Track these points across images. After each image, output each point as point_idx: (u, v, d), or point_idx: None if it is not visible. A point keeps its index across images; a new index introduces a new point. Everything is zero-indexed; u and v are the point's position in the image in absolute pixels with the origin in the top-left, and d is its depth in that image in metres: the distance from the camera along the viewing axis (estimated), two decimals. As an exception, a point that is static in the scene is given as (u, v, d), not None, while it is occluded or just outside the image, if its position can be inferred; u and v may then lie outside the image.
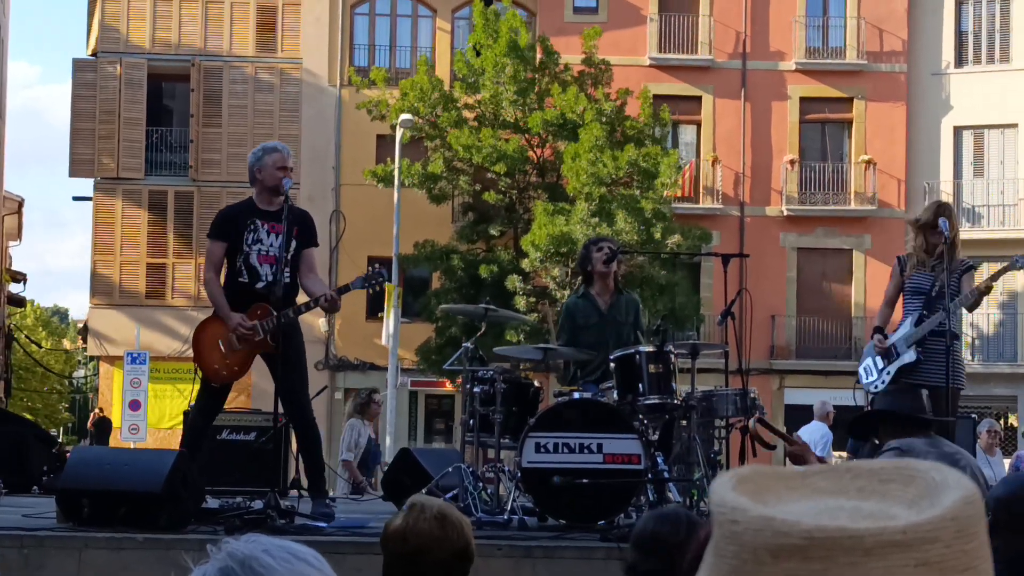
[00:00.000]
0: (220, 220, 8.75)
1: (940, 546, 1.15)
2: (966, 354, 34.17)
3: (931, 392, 9.06)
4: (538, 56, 32.20)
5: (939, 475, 1.20)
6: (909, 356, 9.03)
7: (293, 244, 8.50)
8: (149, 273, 36.32)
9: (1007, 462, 15.87)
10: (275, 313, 8.31)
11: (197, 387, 8.71)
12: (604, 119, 30.58)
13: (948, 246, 8.90)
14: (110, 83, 36.41)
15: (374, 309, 32.32)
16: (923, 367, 9.01)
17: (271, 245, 8.49)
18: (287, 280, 8.42)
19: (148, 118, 36.56)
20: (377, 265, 9.33)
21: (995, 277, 9.32)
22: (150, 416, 32.17)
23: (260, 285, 8.48)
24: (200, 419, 8.73)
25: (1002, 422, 33.15)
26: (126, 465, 7.97)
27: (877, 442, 6.85)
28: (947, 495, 1.17)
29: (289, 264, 8.45)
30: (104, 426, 32.62)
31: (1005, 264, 9.27)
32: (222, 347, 8.45)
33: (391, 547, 3.76)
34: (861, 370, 9.38)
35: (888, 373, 9.12)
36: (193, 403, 8.80)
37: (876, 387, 9.22)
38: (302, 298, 8.67)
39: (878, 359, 9.23)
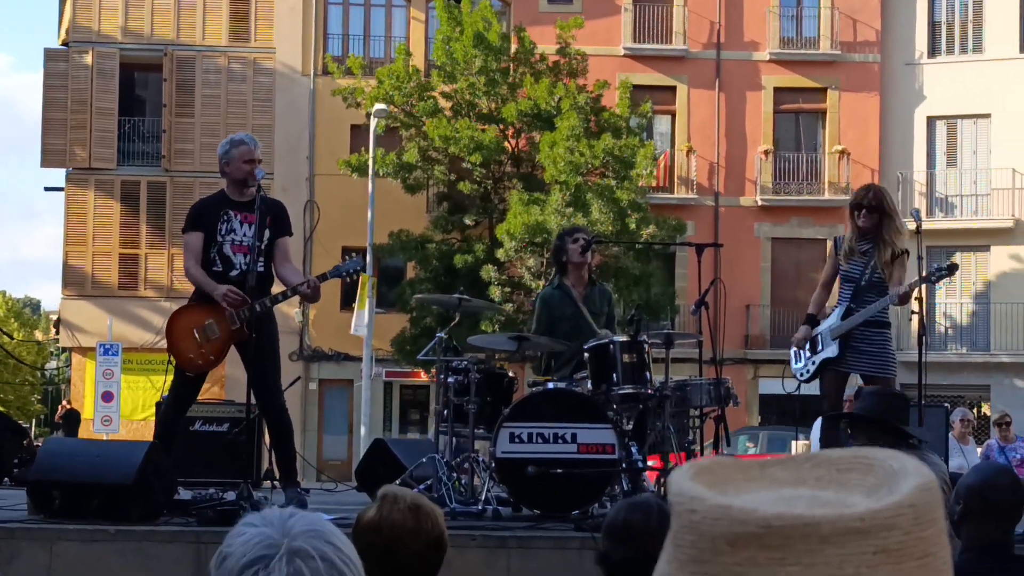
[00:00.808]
0: (194, 213, 8.77)
1: (898, 533, 1.15)
2: (939, 343, 34.35)
3: (865, 380, 9.04)
4: (513, 46, 32.17)
5: (897, 463, 1.21)
6: (831, 351, 8.93)
7: (266, 233, 8.50)
8: (121, 264, 36.17)
9: (979, 450, 15.96)
10: (251, 302, 8.32)
11: (171, 378, 8.68)
12: (579, 109, 30.57)
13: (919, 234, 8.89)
14: (82, 73, 36.22)
15: (349, 299, 32.27)
16: (854, 356, 8.93)
17: (244, 235, 8.50)
18: (260, 269, 8.44)
19: (120, 108, 36.39)
20: (355, 254, 9.34)
21: (915, 285, 9.19)
22: (123, 407, 32.09)
23: (234, 273, 8.48)
24: (173, 410, 8.71)
25: (975, 411, 33.33)
26: (98, 457, 7.94)
27: (851, 435, 6.72)
28: (905, 483, 1.18)
29: (263, 253, 8.46)
30: (72, 418, 32.49)
31: (924, 275, 9.09)
32: (197, 336, 8.44)
33: (365, 539, 3.74)
34: (791, 354, 9.32)
35: (813, 363, 9.05)
36: (166, 394, 8.78)
37: (802, 374, 9.16)
38: (278, 287, 8.67)
39: (806, 347, 9.16)
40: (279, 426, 8.63)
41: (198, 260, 8.55)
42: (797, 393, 9.45)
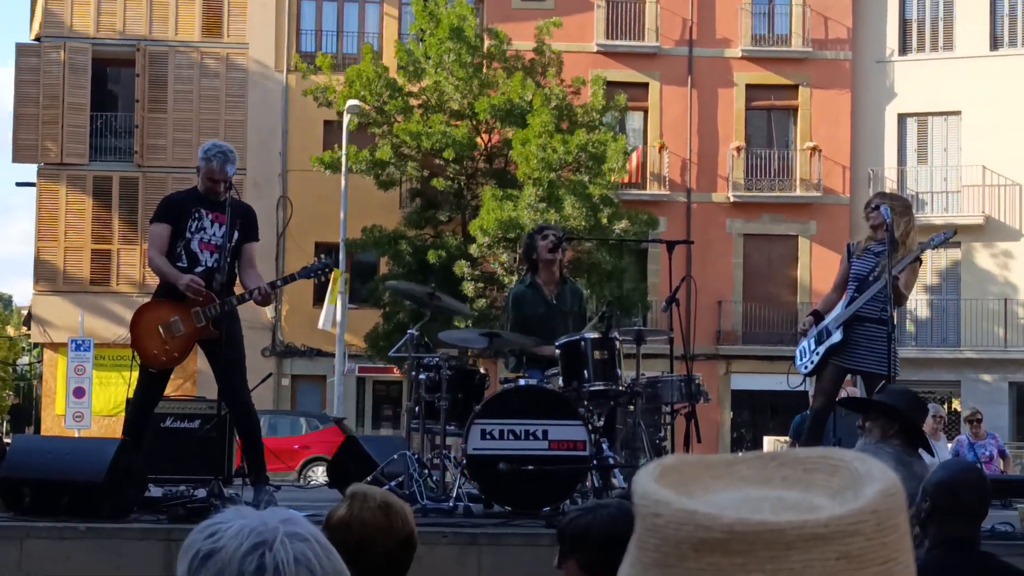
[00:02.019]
0: (165, 205, 8.79)
1: (861, 539, 1.15)
2: (909, 340, 34.48)
3: (865, 378, 9.11)
4: (486, 43, 32.14)
5: (862, 466, 1.21)
6: (835, 337, 9.08)
7: (236, 235, 8.51)
8: (93, 259, 36.02)
9: (949, 446, 16.04)
10: (218, 300, 8.31)
11: (136, 374, 8.66)
12: (553, 105, 30.55)
13: (890, 234, 8.95)
14: (54, 68, 36.05)
15: (322, 295, 32.22)
16: (857, 352, 9.05)
17: (214, 234, 8.50)
18: (227, 268, 8.45)
19: (92, 103, 36.23)
20: (324, 255, 9.32)
21: (923, 248, 9.33)
22: (94, 403, 31.93)
23: (199, 270, 8.47)
24: (140, 407, 8.65)
25: (946, 407, 33.49)
26: (68, 454, 7.91)
27: (865, 426, 6.72)
28: (869, 487, 1.18)
29: (231, 254, 8.46)
30: (20, 414, 32.32)
31: (926, 241, 9.32)
32: (161, 332, 8.41)
33: (335, 537, 3.73)
34: (797, 351, 9.43)
35: (817, 354, 9.17)
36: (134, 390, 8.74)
37: (806, 367, 9.29)
38: (239, 290, 8.67)
39: (811, 341, 9.29)
40: (246, 422, 8.61)
41: (163, 251, 8.55)
42: (804, 389, 9.52)
